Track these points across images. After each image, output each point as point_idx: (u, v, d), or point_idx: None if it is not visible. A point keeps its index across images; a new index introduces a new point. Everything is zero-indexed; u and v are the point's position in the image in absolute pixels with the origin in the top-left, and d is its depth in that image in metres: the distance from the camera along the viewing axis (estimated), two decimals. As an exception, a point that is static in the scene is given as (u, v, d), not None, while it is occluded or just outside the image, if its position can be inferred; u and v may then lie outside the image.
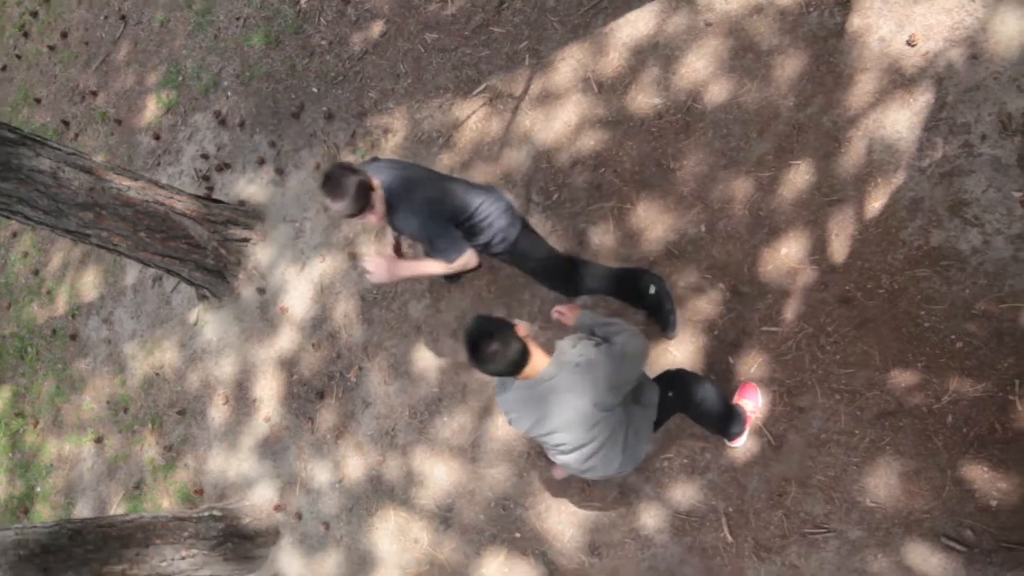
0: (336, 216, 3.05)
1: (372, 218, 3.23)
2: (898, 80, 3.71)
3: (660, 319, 3.82)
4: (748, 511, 3.56)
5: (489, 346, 2.67)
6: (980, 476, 3.24)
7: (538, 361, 2.82)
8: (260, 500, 4.63)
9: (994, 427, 3.26)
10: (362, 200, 3.10)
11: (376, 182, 3.19)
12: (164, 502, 4.94)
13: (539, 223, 4.25)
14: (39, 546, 3.51)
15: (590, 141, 4.28)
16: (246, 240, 4.99)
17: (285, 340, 4.83)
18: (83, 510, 5.23)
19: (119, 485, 5.16)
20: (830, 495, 3.43)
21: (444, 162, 4.67)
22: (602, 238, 4.13)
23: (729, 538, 3.56)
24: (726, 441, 3.60)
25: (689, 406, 3.29)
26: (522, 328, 2.81)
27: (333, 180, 3.07)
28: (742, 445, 3.62)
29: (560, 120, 4.38)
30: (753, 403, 3.59)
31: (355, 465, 4.45)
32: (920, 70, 3.67)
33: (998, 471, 3.22)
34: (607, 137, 4.24)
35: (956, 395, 3.32)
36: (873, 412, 3.44)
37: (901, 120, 3.67)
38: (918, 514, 3.30)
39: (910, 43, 3.71)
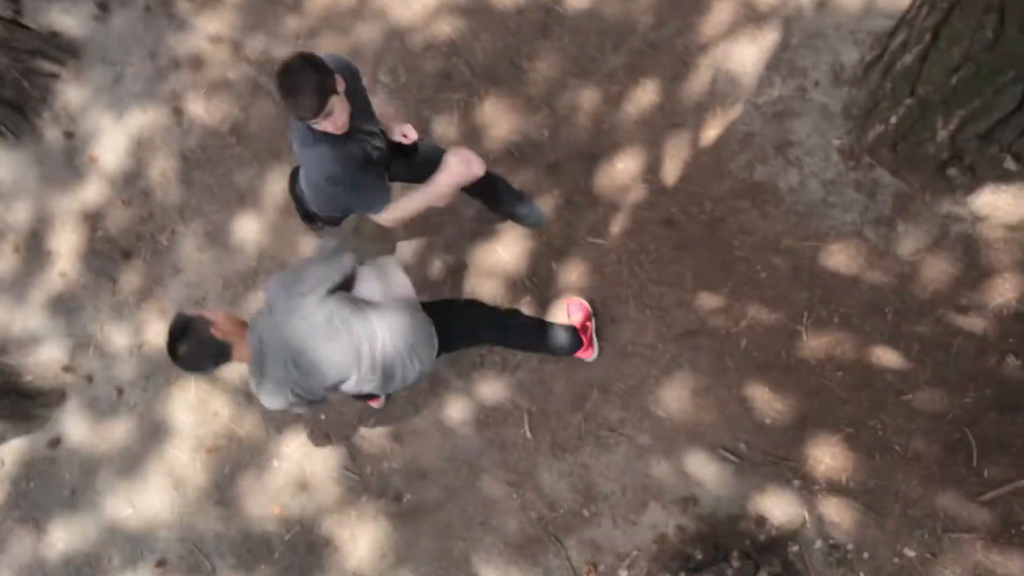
0: (290, 114, 2.58)
1: (328, 126, 2.68)
2: (751, 15, 3.80)
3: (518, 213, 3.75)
4: (550, 411, 3.69)
5: (181, 347, 2.55)
6: (760, 397, 3.51)
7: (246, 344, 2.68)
8: (47, 359, 4.29)
9: (779, 354, 3.52)
10: (320, 101, 2.56)
11: (342, 85, 2.66)
12: (-66, 352, 4.49)
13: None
14: None
15: (446, 27, 4.13)
16: (55, 75, 4.48)
17: (92, 192, 4.43)
18: None
19: None
20: (627, 403, 3.61)
21: (290, 26, 4.36)
22: (445, 128, 4.03)
23: (528, 435, 3.68)
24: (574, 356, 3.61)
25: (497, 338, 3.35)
26: (219, 315, 2.65)
27: (290, 72, 2.53)
28: (593, 358, 3.65)
29: (419, 0, 4.19)
30: (580, 315, 3.65)
31: (158, 332, 4.20)
32: (772, 9, 3.78)
33: (776, 394, 3.50)
34: (464, 25, 4.10)
35: (753, 321, 3.55)
36: (678, 330, 3.62)
37: (747, 55, 3.78)
38: (702, 427, 3.54)
39: (768, -20, 3.79)
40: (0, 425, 4.00)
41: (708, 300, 3.61)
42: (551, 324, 3.45)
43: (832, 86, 3.66)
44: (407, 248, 3.96)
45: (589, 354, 3.61)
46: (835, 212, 3.55)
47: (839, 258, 3.50)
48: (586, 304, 3.65)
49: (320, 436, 3.89)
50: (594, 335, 3.61)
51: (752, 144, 3.70)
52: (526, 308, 3.77)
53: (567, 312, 3.66)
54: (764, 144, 3.69)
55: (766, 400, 3.51)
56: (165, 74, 4.45)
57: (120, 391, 4.18)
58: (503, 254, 3.86)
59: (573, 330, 3.50)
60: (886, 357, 3.43)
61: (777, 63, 3.74)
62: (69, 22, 4.63)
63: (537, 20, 4.02)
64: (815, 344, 3.49)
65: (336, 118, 2.62)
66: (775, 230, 3.61)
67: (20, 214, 4.51)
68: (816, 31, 3.73)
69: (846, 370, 3.46)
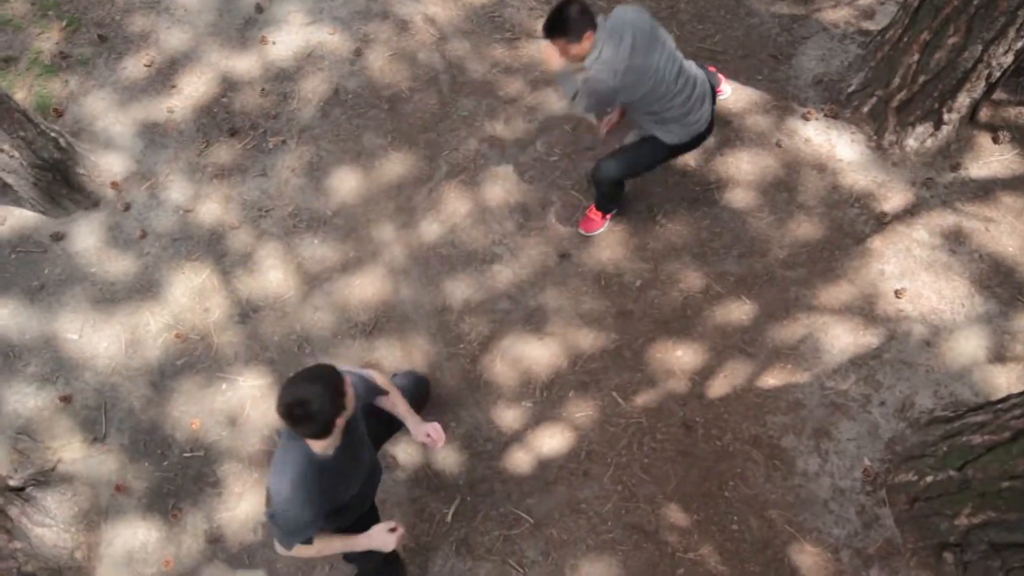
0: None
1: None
2: (864, 311, 3.90)
3: None
4: (479, 508, 3.63)
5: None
6: (664, 629, 3.45)
7: None
8: (105, 166, 4.33)
9: (704, 604, 3.48)
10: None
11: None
12: (19, 94, 4.55)
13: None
14: None
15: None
16: (286, -42, 4.68)
17: (245, 64, 4.56)
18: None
19: (-6, 46, 4.72)
20: (548, 552, 3.55)
21: (495, 53, 4.55)
22: (561, 220, 4.13)
23: (449, 518, 3.61)
24: None
25: None
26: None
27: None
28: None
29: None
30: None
31: (210, 211, 4.24)
32: (886, 318, 3.87)
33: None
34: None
35: (700, 559, 3.52)
36: (633, 520, 3.59)
37: (842, 339, 3.86)
38: (597, 618, 3.47)
39: (897, 294, 3.91)
40: (31, 191, 4.00)
41: (675, 515, 3.59)
42: None
43: (894, 414, 3.72)
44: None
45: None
46: (828, 519, 3.56)
47: (806, 560, 3.49)
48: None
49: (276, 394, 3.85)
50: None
51: (798, 414, 3.74)
52: (522, 413, 3.78)
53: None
54: (807, 420, 3.73)
55: (666, 635, 3.44)
56: (369, 17, 4.63)
57: (144, 234, 4.19)
58: (539, 350, 3.89)
59: None
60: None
61: (861, 364, 3.82)
62: (326, -74, 4.86)
63: (693, 191, 4.16)
64: (739, 617, 3.45)
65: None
66: (769, 497, 3.61)
67: (175, 39, 4.64)
68: (909, 361, 3.81)
69: (750, 659, 3.40)
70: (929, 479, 3.38)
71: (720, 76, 4.28)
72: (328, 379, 2.38)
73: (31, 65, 4.64)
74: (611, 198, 3.92)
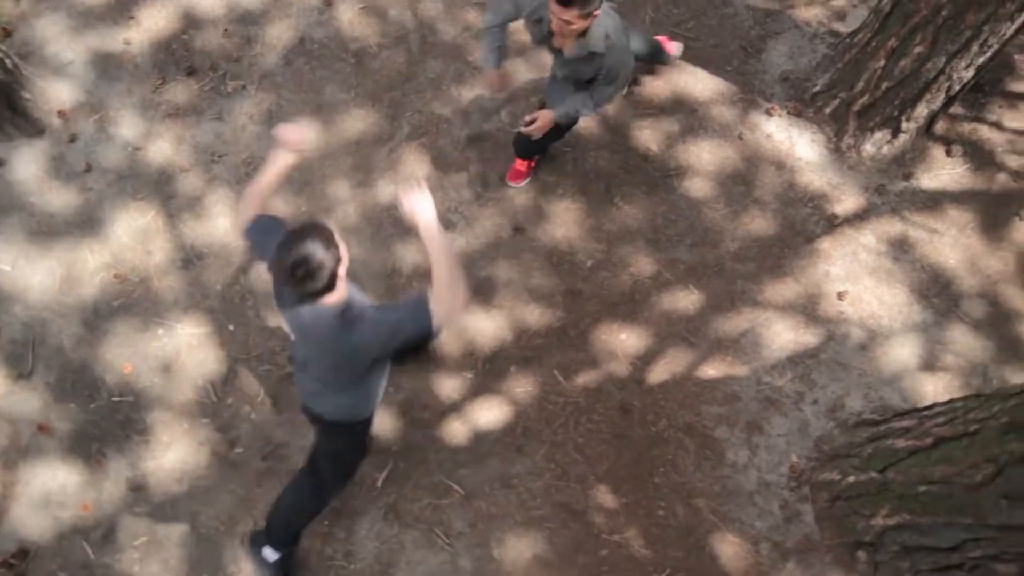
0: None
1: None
2: (808, 310, 3.97)
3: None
4: (412, 475, 3.63)
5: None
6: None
7: None
8: (53, 94, 4.17)
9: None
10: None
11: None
12: (-33, 9, 4.35)
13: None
14: None
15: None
16: None
17: (208, 2, 4.42)
18: None
19: (-58, -46, 4.49)
20: (476, 523, 3.56)
21: (470, 16, 4.47)
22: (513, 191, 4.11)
23: (380, 483, 3.60)
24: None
25: None
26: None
27: None
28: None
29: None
30: None
31: (161, 150, 4.12)
32: (827, 319, 3.95)
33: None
34: (595, 132, 4.22)
35: (623, 542, 3.57)
36: (562, 499, 3.62)
37: (782, 337, 3.92)
38: (518, 590, 3.51)
39: (840, 296, 3.98)
40: (-30, 112, 3.85)
41: (603, 496, 3.63)
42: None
43: (825, 413, 3.80)
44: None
45: None
46: (751, 511, 3.63)
47: (726, 549, 3.56)
48: None
49: (215, 345, 3.79)
50: None
51: (733, 406, 3.80)
52: (462, 383, 3.78)
53: None
54: (741, 413, 3.79)
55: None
56: (343, -33, 4.51)
57: (89, 168, 4.06)
58: (485, 322, 3.88)
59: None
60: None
61: (798, 362, 3.88)
62: None
63: (652, 176, 4.17)
64: (656, 599, 3.52)
65: None
66: (696, 486, 3.67)
67: (135, -32, 4.47)
68: (844, 362, 3.89)
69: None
70: (851, 479, 3.47)
71: (666, 43, 4.28)
72: (320, 230, 2.34)
73: (-18, -20, 4.43)
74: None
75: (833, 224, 4.10)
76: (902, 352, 3.89)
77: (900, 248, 4.08)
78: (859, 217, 4.13)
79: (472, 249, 4.00)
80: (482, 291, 3.93)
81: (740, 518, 3.63)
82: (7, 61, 3.87)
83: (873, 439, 3.50)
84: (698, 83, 4.33)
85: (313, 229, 2.35)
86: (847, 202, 4.15)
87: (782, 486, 3.68)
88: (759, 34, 4.46)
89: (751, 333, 3.93)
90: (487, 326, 3.89)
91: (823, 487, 3.61)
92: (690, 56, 4.36)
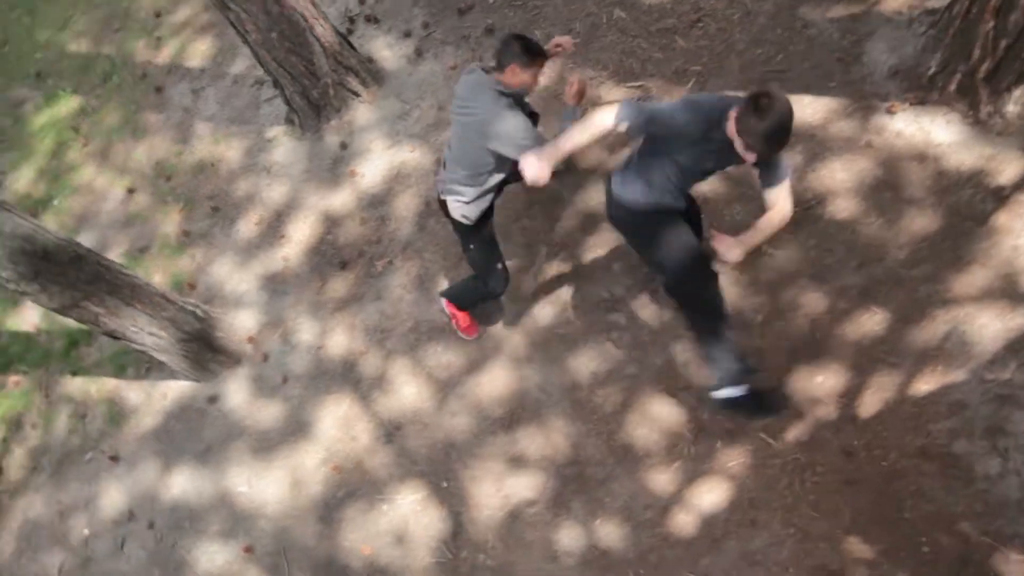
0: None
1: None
2: (1008, 291, 3.68)
3: None
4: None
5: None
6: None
7: None
8: (239, 325, 4.70)
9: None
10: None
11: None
12: (156, 277, 5.02)
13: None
14: (44, 250, 3.56)
15: (706, 187, 4.28)
16: (356, 94, 5.01)
17: (340, 200, 4.87)
18: (84, 242, 5.30)
19: (126, 239, 5.24)
20: (735, 610, 3.46)
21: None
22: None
23: (626, 594, 3.59)
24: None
25: None
26: None
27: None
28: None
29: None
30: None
31: (339, 343, 4.50)
32: (1034, 294, 3.64)
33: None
34: (722, 189, 4.23)
35: (896, 590, 3.34)
36: (813, 561, 3.46)
37: (990, 328, 3.64)
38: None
39: (1039, 265, 3.67)
40: (181, 364, 4.38)
41: (858, 548, 3.43)
42: None
43: (1070, 394, 3.46)
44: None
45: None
46: (1026, 520, 3.32)
47: (1015, 570, 3.25)
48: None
49: (435, 505, 3.99)
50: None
51: (962, 415, 3.53)
52: (675, 474, 3.75)
53: None
54: (975, 420, 3.51)
55: (879, 677, 3.26)
56: (444, 126, 4.86)
57: (285, 379, 4.49)
58: (676, 407, 3.87)
59: None
60: None
61: (1019, 348, 3.58)
62: (387, 54, 5.18)
63: (795, 217, 4.07)
64: (954, 645, 3.23)
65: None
66: (955, 510, 3.40)
67: (276, 194, 5.02)
68: (1072, 333, 3.55)
69: None
70: None
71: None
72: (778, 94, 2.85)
73: (161, 248, 5.12)
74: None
75: (1003, 196, 3.83)
76: None
77: (1087, 195, 3.74)
78: (1029, 179, 3.84)
79: (640, 340, 4.04)
80: (664, 377, 3.94)
81: (1017, 531, 3.31)
82: (198, 311, 4.42)
83: None
84: (806, 109, 4.26)
85: (775, 94, 2.83)
86: (1009, 169, 3.87)
87: (1051, 485, 3.35)
88: (852, 40, 4.36)
89: (954, 334, 3.67)
90: (679, 411, 3.87)
91: (1098, 474, 3.25)
92: (790, 87, 4.32)
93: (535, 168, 3.06)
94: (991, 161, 3.91)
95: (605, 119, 3.06)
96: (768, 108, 2.79)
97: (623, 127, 3.07)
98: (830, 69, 4.34)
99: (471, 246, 3.83)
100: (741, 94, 3.02)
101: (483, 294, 4.01)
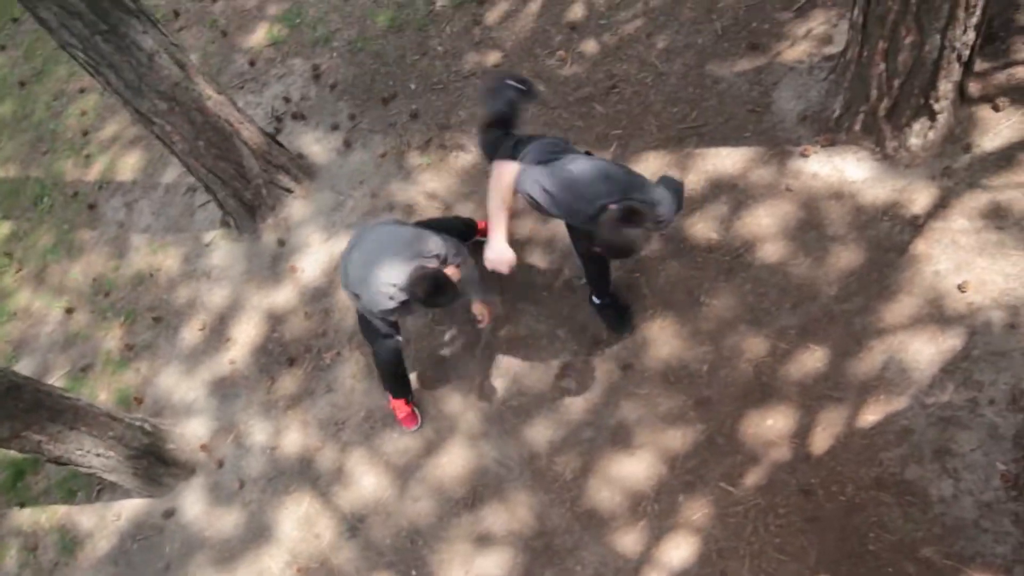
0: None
1: None
2: (936, 315, 3.81)
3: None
4: (635, 646, 3.56)
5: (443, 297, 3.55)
6: None
7: None
8: (191, 434, 4.62)
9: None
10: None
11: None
12: (102, 395, 4.93)
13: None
14: (-24, 384, 3.51)
15: (638, 244, 4.39)
16: (289, 191, 5.07)
17: (282, 297, 4.88)
18: (24, 368, 5.21)
19: (68, 360, 5.16)
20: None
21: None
22: (608, 334, 4.20)
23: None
24: None
25: None
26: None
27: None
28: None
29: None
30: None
31: (293, 440, 4.45)
32: (959, 316, 3.77)
33: None
34: (654, 247, 4.34)
35: (870, 625, 3.35)
36: (788, 606, 3.46)
37: (924, 352, 3.76)
38: None
39: (961, 288, 3.81)
40: (133, 482, 4.28)
41: (828, 587, 3.45)
42: None
43: (1008, 408, 3.56)
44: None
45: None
46: (986, 539, 3.37)
47: (980, 589, 3.29)
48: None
49: (405, 592, 3.92)
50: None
51: (910, 441, 3.61)
52: (639, 531, 3.75)
53: None
54: (922, 445, 3.59)
55: None
56: (378, 214, 4.93)
57: (242, 484, 4.41)
58: (633, 467, 3.89)
59: None
60: None
61: (954, 369, 3.69)
62: (316, 149, 5.27)
63: (724, 262, 4.20)
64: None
65: None
66: (916, 536, 3.45)
67: (217, 297, 5.01)
68: (1001, 350, 3.67)
69: None
70: (1069, 464, 3.20)
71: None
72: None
73: (105, 365, 5.05)
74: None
75: (918, 225, 4.00)
76: (1053, 313, 3.66)
77: (997, 216, 3.91)
78: (941, 206, 4.01)
79: (593, 404, 4.08)
80: (619, 438, 3.97)
81: (978, 551, 3.36)
82: (146, 426, 4.35)
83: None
84: (726, 160, 4.42)
85: None
86: (921, 199, 4.05)
87: (1003, 500, 3.42)
88: (760, 91, 4.56)
89: (892, 363, 3.78)
90: (638, 469, 3.89)
91: (1044, 484, 3.34)
92: (708, 142, 4.49)
93: (496, 255, 3.47)
94: (903, 192, 4.09)
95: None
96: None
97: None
98: (743, 120, 4.53)
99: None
100: None
101: (377, 366, 4.18)
